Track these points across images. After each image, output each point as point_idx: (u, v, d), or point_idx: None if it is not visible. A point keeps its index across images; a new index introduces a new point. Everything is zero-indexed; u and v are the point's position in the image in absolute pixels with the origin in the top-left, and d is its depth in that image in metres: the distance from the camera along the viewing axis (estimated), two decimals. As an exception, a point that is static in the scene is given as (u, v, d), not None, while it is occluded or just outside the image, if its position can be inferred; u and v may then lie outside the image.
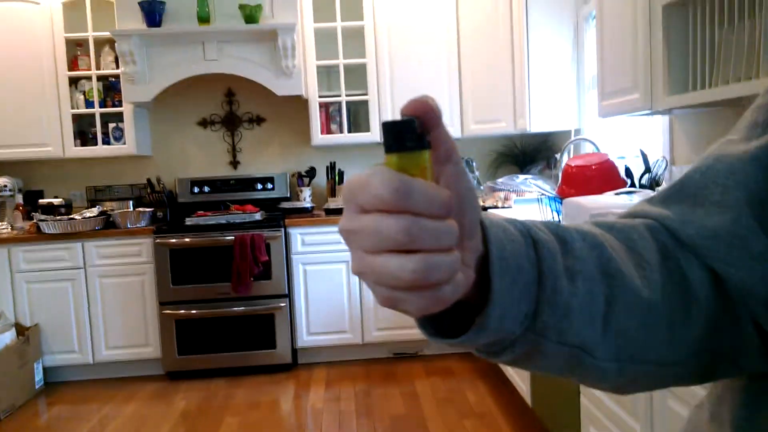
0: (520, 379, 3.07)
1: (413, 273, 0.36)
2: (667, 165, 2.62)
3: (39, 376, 3.88)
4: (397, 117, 0.39)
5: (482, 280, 0.44)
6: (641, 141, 3.04)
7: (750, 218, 0.50)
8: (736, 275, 0.50)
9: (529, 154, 4.44)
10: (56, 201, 4.18)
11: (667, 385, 0.56)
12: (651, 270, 0.51)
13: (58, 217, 3.95)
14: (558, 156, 3.67)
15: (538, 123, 3.77)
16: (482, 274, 0.44)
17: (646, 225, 0.55)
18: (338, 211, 4.09)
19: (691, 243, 0.53)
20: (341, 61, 4.22)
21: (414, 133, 0.38)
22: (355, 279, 4.02)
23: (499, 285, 0.44)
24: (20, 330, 3.81)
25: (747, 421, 0.52)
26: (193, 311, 3.90)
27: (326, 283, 4.02)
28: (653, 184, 2.61)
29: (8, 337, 3.66)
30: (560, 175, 3.22)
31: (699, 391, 1.51)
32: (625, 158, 3.15)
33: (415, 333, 4.06)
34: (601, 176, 2.72)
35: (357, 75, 4.29)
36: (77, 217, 3.95)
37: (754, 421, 0.52)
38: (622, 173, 2.79)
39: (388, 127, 0.38)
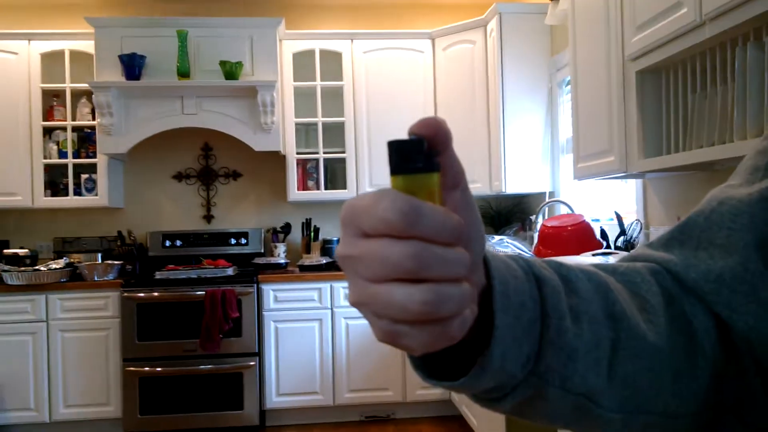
0: (495, 443, 2.99)
1: (422, 305, 0.33)
2: (641, 227, 2.65)
3: (-10, 436, 3.68)
4: (394, 150, 0.37)
5: (482, 316, 0.42)
6: (615, 204, 3.09)
7: (758, 262, 0.48)
8: (741, 321, 0.49)
9: (504, 215, 4.47)
10: (22, 251, 4.06)
11: None
12: (655, 315, 0.50)
13: (23, 269, 3.83)
14: (533, 218, 3.70)
15: (513, 185, 3.81)
16: (482, 310, 0.42)
17: (649, 269, 0.54)
18: (313, 268, 4.04)
19: (695, 287, 0.51)
20: (320, 119, 4.26)
21: (422, 153, 0.36)
22: (328, 337, 3.94)
23: (501, 322, 0.41)
24: (-26, 386, 3.63)
25: None
26: (158, 368, 3.76)
27: (298, 341, 3.93)
28: (628, 246, 2.63)
29: (-40, 393, 3.47)
30: (536, 236, 3.24)
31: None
32: (600, 221, 3.18)
33: (387, 395, 3.96)
34: (577, 237, 2.74)
35: (335, 133, 4.33)
36: (42, 268, 3.83)
37: None
38: (598, 235, 2.81)
39: (394, 147, 0.36)
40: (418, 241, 0.34)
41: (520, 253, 3.13)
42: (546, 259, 0.49)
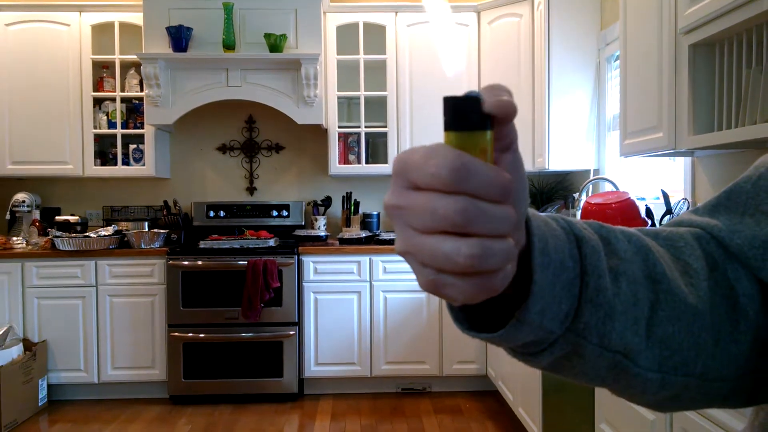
0: (531, 420, 3.00)
1: (469, 258, 0.34)
2: (689, 206, 2.59)
3: (43, 393, 3.84)
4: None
5: (522, 274, 0.42)
6: (661, 183, 3.02)
7: None
8: None
9: (546, 192, 4.42)
10: (72, 219, 4.20)
11: (710, 404, 0.53)
12: (698, 278, 0.49)
13: (74, 235, 3.96)
14: (576, 195, 3.65)
15: (557, 161, 3.76)
16: (522, 268, 0.42)
17: (693, 234, 0.53)
18: (352, 241, 4.08)
19: (739, 253, 0.51)
20: (362, 93, 4.26)
21: (478, 112, 0.36)
22: (366, 310, 3.98)
23: (540, 278, 0.42)
24: (27, 345, 3.79)
25: None
26: (201, 335, 3.87)
27: (337, 313, 3.98)
28: (674, 225, 2.58)
29: (15, 351, 3.63)
30: (579, 214, 3.20)
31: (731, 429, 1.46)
32: (645, 199, 3.12)
33: (424, 368, 4.00)
34: (621, 215, 2.69)
35: (377, 107, 4.33)
36: (92, 235, 3.96)
37: None
38: (643, 213, 2.76)
39: (450, 104, 0.36)
40: (467, 197, 0.34)
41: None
42: (588, 220, 0.49)
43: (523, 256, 0.42)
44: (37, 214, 4.31)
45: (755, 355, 0.49)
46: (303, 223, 4.47)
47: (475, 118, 0.36)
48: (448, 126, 0.36)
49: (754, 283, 0.50)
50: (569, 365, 0.47)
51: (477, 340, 0.47)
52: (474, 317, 0.47)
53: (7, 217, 4.27)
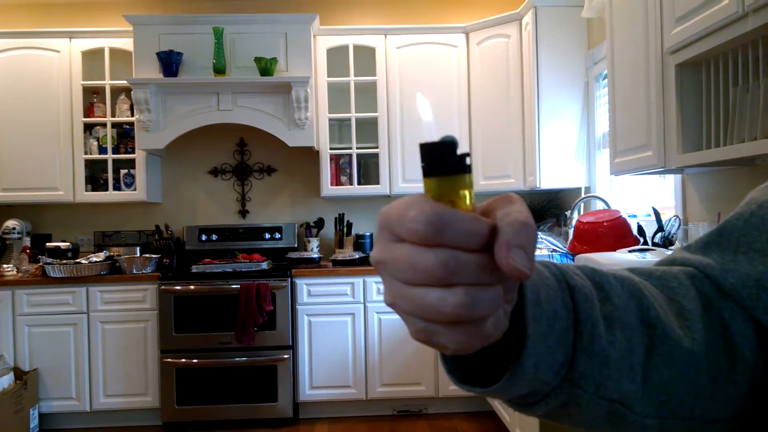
0: (528, 440, 2.97)
1: (456, 307, 0.34)
2: (680, 224, 2.60)
3: (35, 423, 3.78)
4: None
5: (516, 324, 0.42)
6: (652, 200, 3.03)
7: None
8: None
9: (538, 211, 4.43)
10: (63, 245, 4.17)
11: None
12: (692, 320, 0.49)
13: (64, 261, 3.93)
14: (568, 213, 3.66)
15: (547, 180, 3.77)
16: (516, 319, 0.42)
17: (686, 273, 0.53)
18: (346, 263, 4.07)
19: (733, 292, 0.51)
20: (353, 115, 4.27)
21: (454, 155, 0.36)
22: (361, 332, 3.96)
23: (533, 331, 0.41)
24: (18, 374, 3.74)
25: None
26: (195, 360, 3.83)
27: (331, 335, 3.96)
28: (666, 242, 2.58)
29: (6, 381, 3.59)
30: (571, 231, 3.21)
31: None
32: (637, 217, 3.13)
33: (420, 390, 3.97)
34: (613, 233, 2.70)
35: (368, 128, 4.34)
36: (83, 261, 3.93)
37: None
38: (635, 231, 2.76)
39: (426, 150, 0.36)
40: (448, 249, 0.34)
41: (554, 248, 3.10)
42: (579, 265, 0.49)
43: (516, 306, 0.42)
44: (27, 241, 4.28)
45: (754, 395, 0.49)
46: (296, 246, 4.46)
47: (452, 162, 0.36)
48: (426, 172, 0.36)
49: (750, 322, 0.50)
50: (566, 414, 0.46)
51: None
52: (468, 370, 0.46)
53: (-3, 244, 4.24)
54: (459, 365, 0.46)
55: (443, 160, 0.36)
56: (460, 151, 0.36)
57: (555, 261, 0.47)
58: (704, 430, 0.49)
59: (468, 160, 0.37)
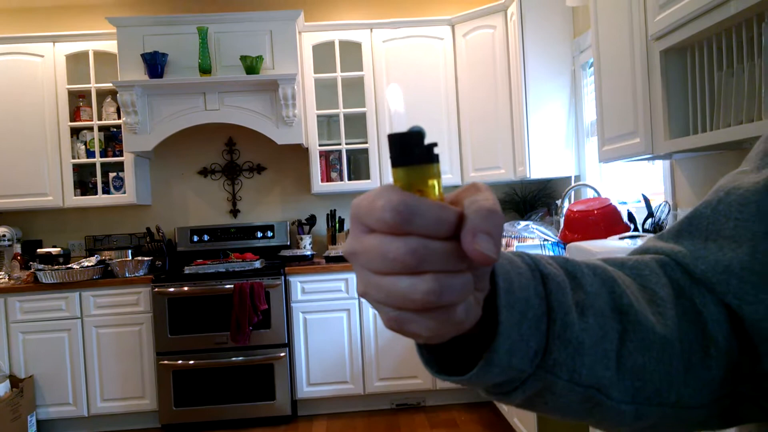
0: (526, 430, 2.99)
1: (425, 294, 0.35)
2: (669, 209, 2.61)
3: (32, 430, 3.77)
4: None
5: (489, 315, 0.42)
6: (642, 186, 3.05)
7: (766, 252, 0.48)
8: (752, 311, 0.48)
9: (529, 200, 4.44)
10: (54, 250, 4.15)
11: (689, 430, 0.53)
12: (665, 306, 0.50)
13: (56, 267, 3.91)
14: (559, 202, 3.67)
15: (537, 170, 3.78)
16: (489, 308, 0.42)
17: (658, 261, 0.54)
18: (339, 259, 4.07)
19: (704, 279, 0.51)
20: (341, 111, 4.26)
21: (421, 145, 0.36)
22: (356, 327, 3.96)
23: (506, 318, 0.42)
24: (14, 382, 3.73)
25: None
26: (191, 362, 3.83)
27: (327, 331, 3.96)
28: (657, 228, 2.59)
29: (2, 389, 3.57)
30: (562, 220, 3.22)
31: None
32: (627, 203, 3.15)
33: (417, 383, 3.98)
34: (604, 221, 2.71)
35: (357, 124, 4.33)
36: (75, 266, 3.91)
37: None
38: (625, 218, 2.78)
39: (394, 140, 0.37)
40: (417, 237, 0.35)
41: (545, 238, 3.11)
42: (553, 255, 0.49)
43: (489, 296, 0.42)
44: (18, 248, 4.26)
45: (729, 380, 0.49)
46: (288, 243, 4.45)
47: (419, 152, 0.37)
48: (395, 162, 0.37)
49: (721, 308, 0.50)
50: (542, 402, 0.47)
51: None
52: (444, 360, 0.47)
53: (-12, 252, 4.22)
54: (436, 356, 0.46)
55: (411, 151, 0.36)
56: (427, 141, 0.37)
57: (548, 252, 0.47)
58: (680, 415, 0.49)
59: (435, 150, 0.37)
